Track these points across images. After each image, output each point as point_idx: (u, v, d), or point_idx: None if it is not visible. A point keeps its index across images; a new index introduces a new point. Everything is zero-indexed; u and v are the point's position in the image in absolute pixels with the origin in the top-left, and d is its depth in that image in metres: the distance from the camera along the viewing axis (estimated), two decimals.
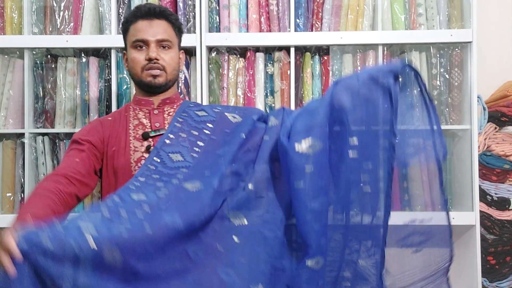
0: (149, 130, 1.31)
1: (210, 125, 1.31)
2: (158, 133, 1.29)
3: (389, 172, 1.17)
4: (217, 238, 1.15)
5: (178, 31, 1.43)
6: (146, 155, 1.26)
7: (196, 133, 1.28)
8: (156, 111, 1.36)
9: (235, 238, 1.17)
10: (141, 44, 1.34)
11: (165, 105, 1.39)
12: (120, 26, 1.41)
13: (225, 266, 1.13)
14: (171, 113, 1.36)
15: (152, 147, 1.27)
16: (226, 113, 1.36)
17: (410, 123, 1.20)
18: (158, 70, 1.33)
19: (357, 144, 1.15)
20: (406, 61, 1.21)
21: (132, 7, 2.07)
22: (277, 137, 1.22)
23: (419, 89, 1.19)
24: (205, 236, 1.14)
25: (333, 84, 1.22)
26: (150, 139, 1.29)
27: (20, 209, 1.10)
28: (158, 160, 1.21)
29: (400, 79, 1.16)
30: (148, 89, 1.37)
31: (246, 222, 1.18)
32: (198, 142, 1.26)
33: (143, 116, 1.36)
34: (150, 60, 1.32)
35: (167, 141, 1.25)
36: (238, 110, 1.40)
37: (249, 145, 1.25)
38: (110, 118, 1.40)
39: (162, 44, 1.35)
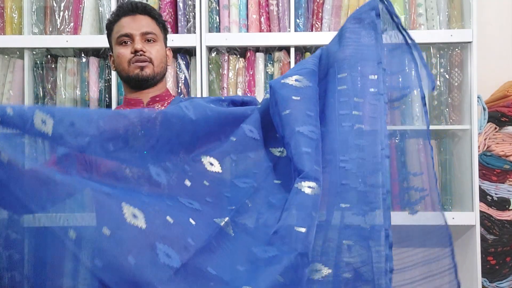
0: None
1: None
2: None
3: (383, 109, 1.11)
4: (187, 175, 1.13)
5: (163, 27, 1.42)
6: None
7: None
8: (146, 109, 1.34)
9: (205, 182, 1.14)
10: (126, 39, 1.33)
11: (155, 103, 1.37)
12: (106, 30, 1.42)
13: (189, 198, 1.11)
14: None
15: None
16: (221, 103, 1.33)
17: (395, 63, 1.18)
18: (145, 62, 1.31)
19: (346, 76, 1.13)
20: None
21: None
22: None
23: (395, 24, 1.20)
24: (174, 168, 1.13)
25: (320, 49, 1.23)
26: None
27: None
28: None
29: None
30: (137, 83, 1.34)
31: (220, 170, 1.15)
32: None
33: None
34: (136, 52, 1.30)
35: None
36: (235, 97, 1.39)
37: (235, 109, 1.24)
38: None
39: (147, 37, 1.34)
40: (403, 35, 1.19)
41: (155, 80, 1.35)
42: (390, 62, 1.17)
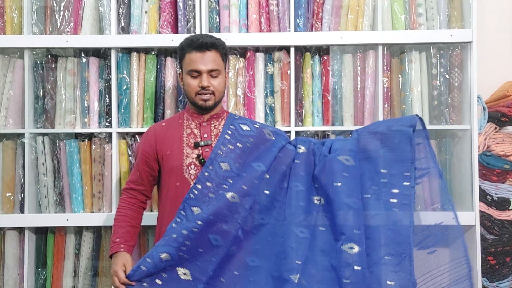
0: (199, 140, 1.64)
1: (251, 139, 1.65)
2: (206, 143, 1.62)
3: (413, 198, 1.57)
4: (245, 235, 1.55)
5: (225, 55, 1.71)
6: (196, 162, 1.60)
7: (240, 145, 1.62)
8: (205, 124, 1.67)
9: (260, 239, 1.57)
10: (195, 74, 1.62)
11: (213, 119, 1.69)
12: (177, 51, 1.71)
13: (251, 255, 1.53)
14: (216, 126, 1.68)
15: (201, 156, 1.60)
16: (264, 130, 1.69)
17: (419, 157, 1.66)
18: (208, 95, 1.62)
19: (387, 172, 1.58)
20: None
21: (132, 8, 2.09)
22: (306, 161, 1.63)
23: (424, 134, 1.67)
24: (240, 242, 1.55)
25: (355, 131, 1.69)
26: (200, 148, 1.62)
27: (112, 237, 1.62)
28: (211, 168, 1.56)
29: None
30: (200, 110, 1.67)
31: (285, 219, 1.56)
32: (242, 155, 1.61)
33: (195, 127, 1.67)
34: (202, 88, 1.61)
35: (220, 152, 1.59)
36: (272, 129, 1.74)
37: (282, 159, 1.64)
38: (164, 124, 1.71)
39: (212, 74, 1.62)
40: (428, 142, 1.66)
41: (215, 106, 1.67)
42: (418, 155, 1.64)
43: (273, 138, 1.68)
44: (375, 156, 1.60)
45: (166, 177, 1.62)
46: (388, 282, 1.46)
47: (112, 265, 1.56)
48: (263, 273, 1.51)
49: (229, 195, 1.52)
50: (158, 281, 1.47)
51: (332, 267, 1.49)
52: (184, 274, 1.48)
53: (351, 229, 1.48)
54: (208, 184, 1.54)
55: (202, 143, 1.61)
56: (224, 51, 1.69)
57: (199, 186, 1.54)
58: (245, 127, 1.67)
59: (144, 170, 1.65)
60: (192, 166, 1.59)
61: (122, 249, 1.56)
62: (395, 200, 1.55)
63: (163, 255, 1.46)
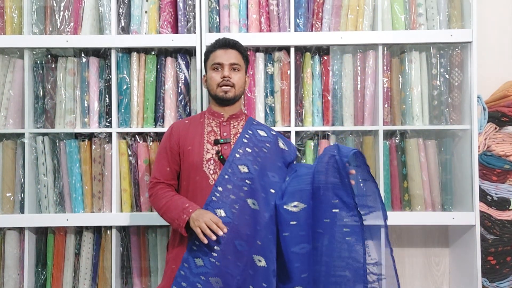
0: (219, 138, 1.71)
1: (268, 145, 1.72)
2: (225, 141, 1.69)
3: (361, 223, 1.59)
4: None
5: (246, 59, 1.80)
6: (215, 158, 1.66)
7: (257, 150, 1.69)
8: (224, 123, 1.75)
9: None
10: (218, 66, 1.73)
11: (232, 119, 1.76)
12: (204, 55, 1.82)
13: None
14: (235, 126, 1.75)
15: (220, 153, 1.66)
16: (278, 138, 1.77)
17: (364, 193, 1.67)
18: (229, 87, 1.71)
19: (338, 202, 1.59)
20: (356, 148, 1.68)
21: (132, 8, 2.09)
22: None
23: (366, 169, 1.64)
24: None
25: (317, 160, 1.67)
26: (219, 145, 1.69)
27: (175, 209, 1.58)
28: (230, 170, 1.62)
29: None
30: (221, 101, 1.74)
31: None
32: (258, 158, 1.67)
33: (215, 126, 1.74)
34: (224, 78, 1.71)
35: (237, 155, 1.65)
36: (285, 140, 1.80)
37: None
38: (187, 122, 1.79)
39: (233, 67, 1.73)
40: (372, 177, 1.65)
41: (235, 100, 1.75)
42: (365, 188, 1.66)
43: (286, 149, 1.76)
44: (325, 185, 1.61)
45: (186, 171, 1.68)
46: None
47: (200, 218, 1.52)
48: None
49: (250, 201, 1.60)
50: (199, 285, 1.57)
51: None
52: (216, 282, 1.55)
53: (298, 273, 1.58)
54: (229, 186, 1.60)
55: (221, 141, 1.69)
56: (245, 53, 1.79)
57: (220, 189, 1.60)
58: (262, 133, 1.74)
59: (173, 166, 1.71)
60: (212, 162, 1.65)
61: (198, 207, 1.58)
62: (348, 229, 1.60)
63: (198, 261, 1.57)
